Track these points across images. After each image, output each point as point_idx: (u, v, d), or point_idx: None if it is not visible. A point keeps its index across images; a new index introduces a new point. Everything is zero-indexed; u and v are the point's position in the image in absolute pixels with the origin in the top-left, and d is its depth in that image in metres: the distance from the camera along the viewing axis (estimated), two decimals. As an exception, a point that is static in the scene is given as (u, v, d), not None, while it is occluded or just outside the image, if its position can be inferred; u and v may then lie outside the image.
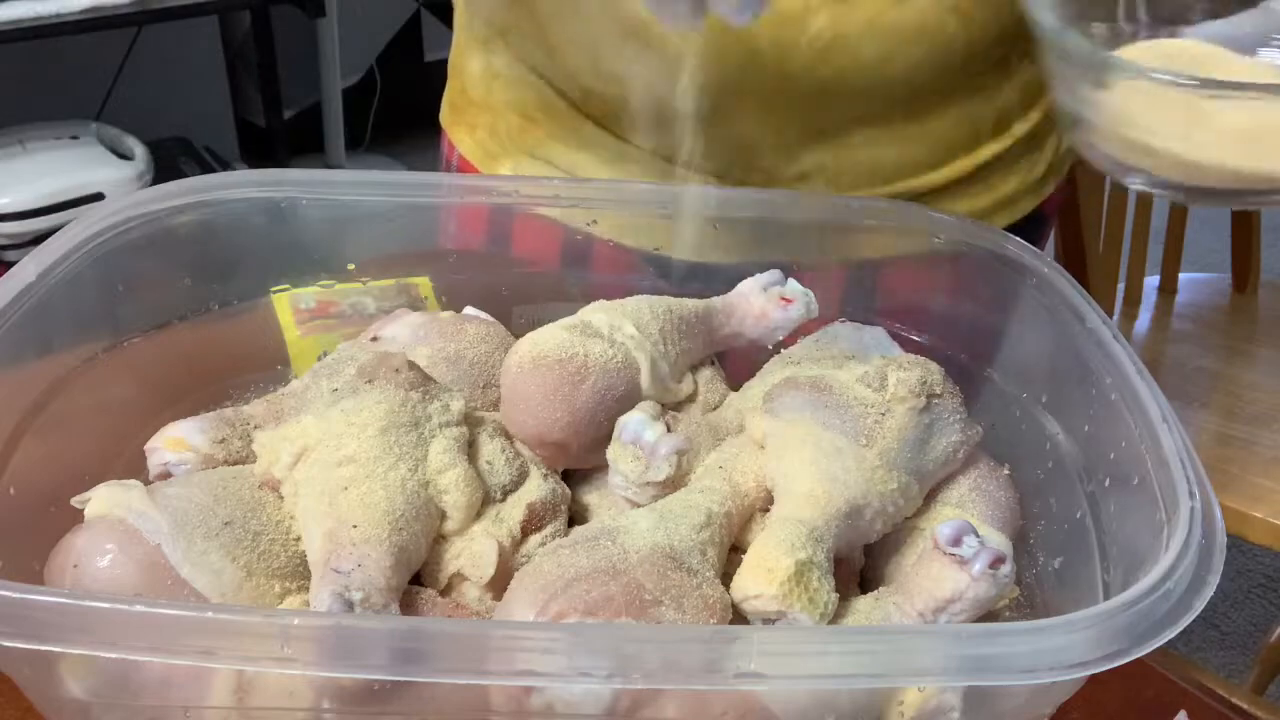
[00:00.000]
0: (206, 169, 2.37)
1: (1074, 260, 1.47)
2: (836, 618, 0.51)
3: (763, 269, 0.68)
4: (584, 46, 0.75)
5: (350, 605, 0.48)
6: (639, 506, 0.57)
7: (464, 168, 0.87)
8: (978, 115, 0.78)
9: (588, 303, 0.63)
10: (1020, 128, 0.80)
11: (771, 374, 0.63)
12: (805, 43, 0.70)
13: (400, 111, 2.79)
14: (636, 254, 0.75)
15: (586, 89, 0.78)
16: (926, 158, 0.77)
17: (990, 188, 0.78)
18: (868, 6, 0.69)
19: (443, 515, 0.54)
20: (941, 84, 0.74)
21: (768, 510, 0.56)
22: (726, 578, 0.52)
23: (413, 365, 0.58)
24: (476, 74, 0.85)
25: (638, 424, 0.57)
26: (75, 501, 0.53)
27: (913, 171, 0.76)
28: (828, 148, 0.74)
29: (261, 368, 0.68)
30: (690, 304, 0.65)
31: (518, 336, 0.62)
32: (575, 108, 0.80)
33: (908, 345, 0.67)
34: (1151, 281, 1.63)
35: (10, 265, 0.57)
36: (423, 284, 0.72)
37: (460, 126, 0.87)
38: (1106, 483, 0.56)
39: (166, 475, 0.57)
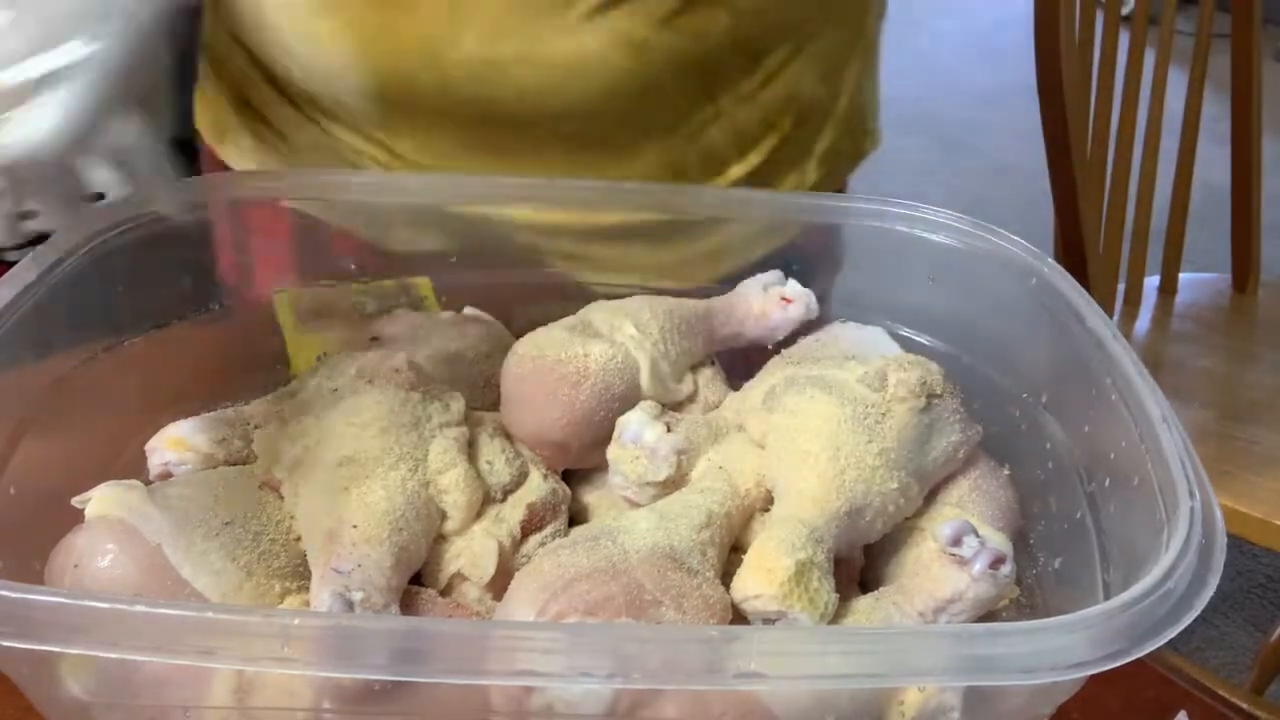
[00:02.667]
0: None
1: (1074, 260, 1.47)
2: (836, 618, 0.51)
3: (764, 268, 0.68)
4: (259, 32, 0.75)
5: (350, 605, 0.48)
6: (639, 506, 0.57)
7: (206, 149, 0.85)
8: (679, 155, 0.76)
9: (587, 303, 0.63)
10: (738, 170, 0.78)
11: (771, 374, 0.63)
12: (454, 64, 0.69)
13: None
14: None
15: (274, 73, 0.77)
16: None
17: (707, 231, 0.74)
18: (516, 35, 0.68)
19: (443, 515, 0.54)
20: (623, 119, 0.72)
21: (768, 510, 0.56)
22: (726, 578, 0.52)
23: (413, 365, 0.58)
24: (211, 40, 0.83)
25: (638, 424, 0.57)
26: (75, 501, 0.53)
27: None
28: (503, 169, 0.74)
29: (261, 368, 0.68)
30: (690, 304, 0.65)
31: (518, 336, 0.62)
32: (277, 90, 0.79)
33: (908, 345, 0.67)
34: (1151, 281, 1.63)
35: (10, 265, 0.57)
36: (423, 284, 0.72)
37: (201, 102, 0.85)
38: (1106, 483, 0.56)
39: (166, 475, 0.57)
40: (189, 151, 0.80)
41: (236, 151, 0.82)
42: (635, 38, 0.69)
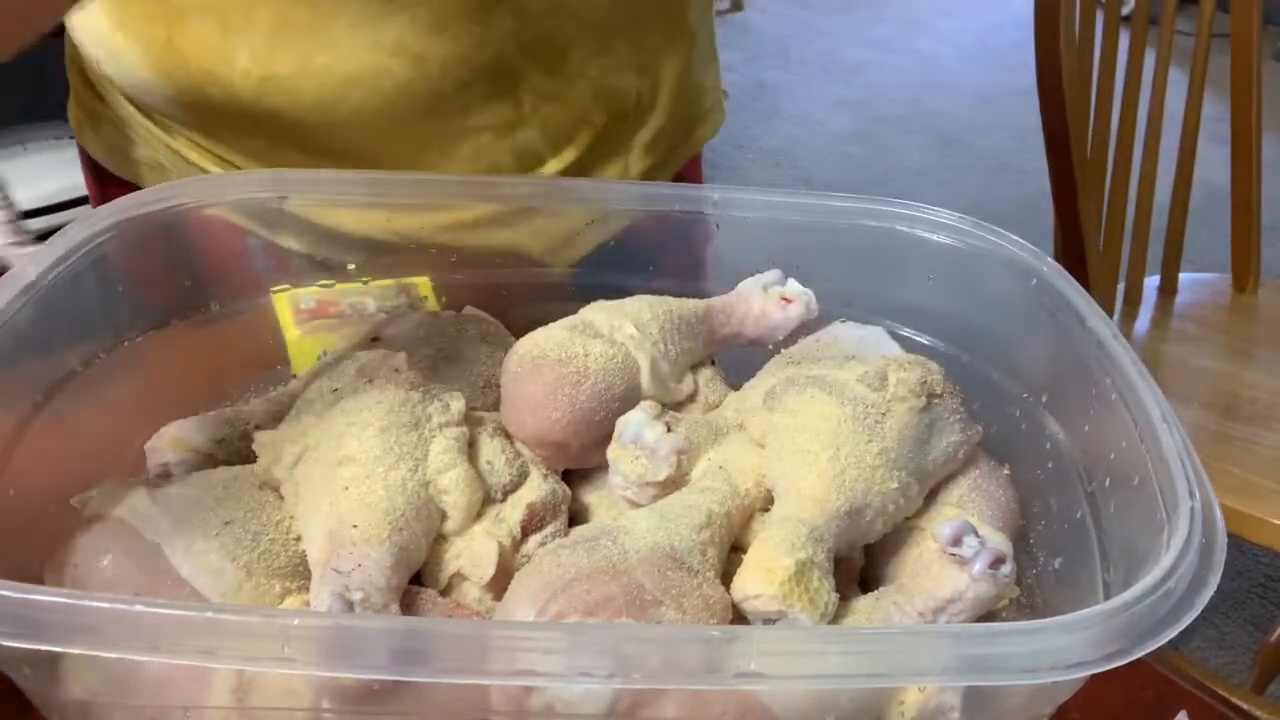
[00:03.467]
0: (206, 169, 2.36)
1: (1074, 260, 1.47)
2: (836, 618, 0.51)
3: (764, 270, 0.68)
4: (82, 25, 0.75)
5: (350, 605, 0.48)
6: (639, 506, 0.57)
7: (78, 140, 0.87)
8: (491, 155, 0.77)
9: (587, 303, 0.63)
10: (554, 165, 0.79)
11: (771, 374, 0.63)
12: (238, 77, 0.70)
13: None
14: None
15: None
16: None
17: (534, 227, 0.73)
18: (289, 50, 0.69)
19: (443, 515, 0.54)
20: (420, 126, 0.73)
21: (768, 510, 0.56)
22: (726, 578, 0.52)
23: (413, 365, 0.58)
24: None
25: (638, 424, 0.57)
26: (75, 501, 0.53)
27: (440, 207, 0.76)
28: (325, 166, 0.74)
29: (261, 368, 0.68)
30: (690, 304, 0.65)
31: (518, 336, 0.62)
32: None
33: (908, 345, 0.67)
34: (1151, 281, 1.63)
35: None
36: (423, 284, 0.72)
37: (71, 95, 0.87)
38: (1106, 483, 0.56)
39: (166, 475, 0.57)
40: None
41: (94, 138, 0.84)
42: (412, 48, 0.69)
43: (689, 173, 0.90)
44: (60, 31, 0.82)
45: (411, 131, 0.74)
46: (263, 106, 0.71)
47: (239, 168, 0.78)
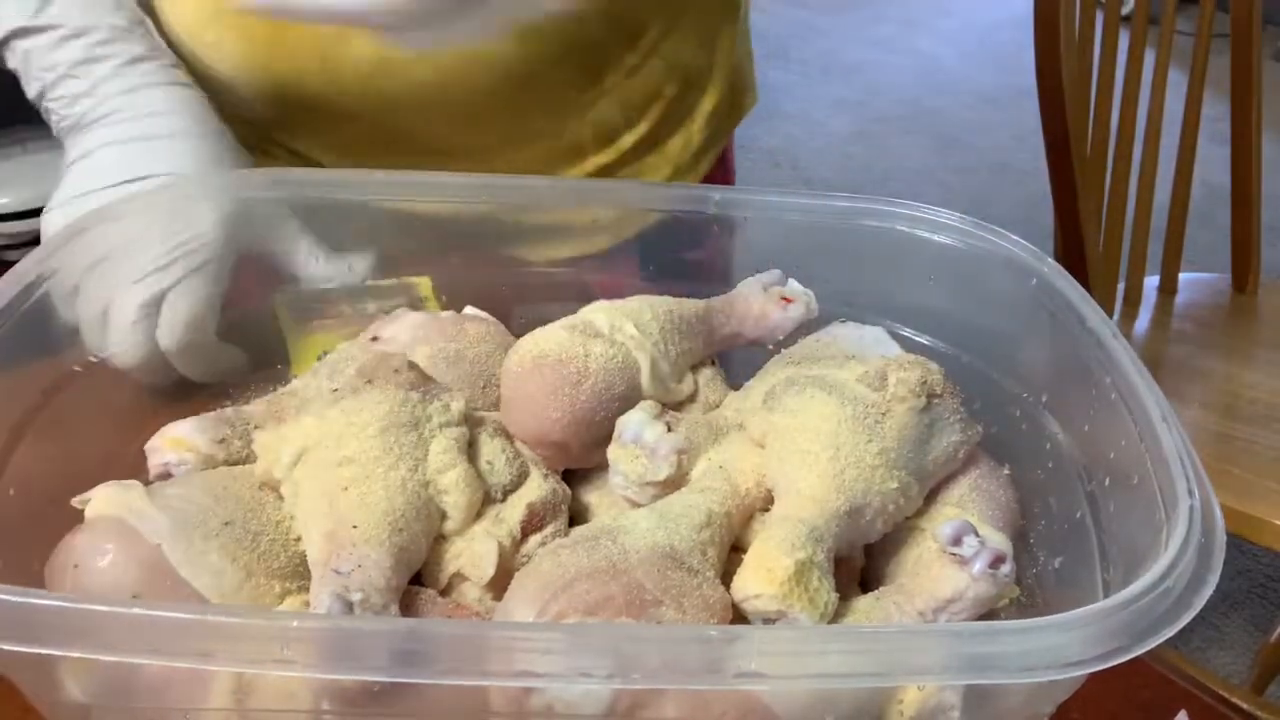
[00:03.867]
0: (206, 169, 2.36)
1: (1074, 260, 1.47)
2: (836, 617, 0.51)
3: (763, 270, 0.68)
4: (162, 30, 0.76)
5: (350, 606, 0.48)
6: (639, 506, 0.57)
7: None
8: (574, 132, 0.79)
9: (588, 303, 0.63)
10: (629, 139, 0.81)
11: (771, 374, 0.63)
12: (351, 63, 0.71)
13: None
14: None
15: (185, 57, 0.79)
16: (531, 170, 0.79)
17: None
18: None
19: (443, 515, 0.54)
20: (518, 105, 0.74)
21: (768, 510, 0.56)
22: (726, 578, 0.52)
23: (413, 365, 0.58)
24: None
25: (638, 424, 0.57)
26: (75, 501, 0.53)
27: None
28: (404, 164, 0.73)
29: (261, 368, 0.68)
30: (690, 304, 0.65)
31: (518, 336, 0.62)
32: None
33: (908, 345, 0.67)
34: (1151, 281, 1.63)
35: (10, 265, 0.57)
36: (423, 284, 0.72)
37: None
38: (1106, 483, 0.56)
39: (166, 475, 0.57)
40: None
41: None
42: (521, 27, 0.71)
43: (728, 147, 0.93)
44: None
45: (502, 116, 0.75)
46: (366, 92, 0.72)
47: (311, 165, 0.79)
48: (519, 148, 0.79)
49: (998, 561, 0.51)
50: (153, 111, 0.67)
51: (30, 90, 0.69)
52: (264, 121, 0.78)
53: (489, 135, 0.77)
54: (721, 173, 0.94)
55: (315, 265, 0.68)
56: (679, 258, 0.71)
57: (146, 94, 0.67)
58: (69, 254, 0.60)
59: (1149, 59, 1.47)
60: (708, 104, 0.86)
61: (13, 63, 0.68)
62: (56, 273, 0.59)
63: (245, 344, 0.70)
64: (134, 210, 0.63)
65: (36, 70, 0.67)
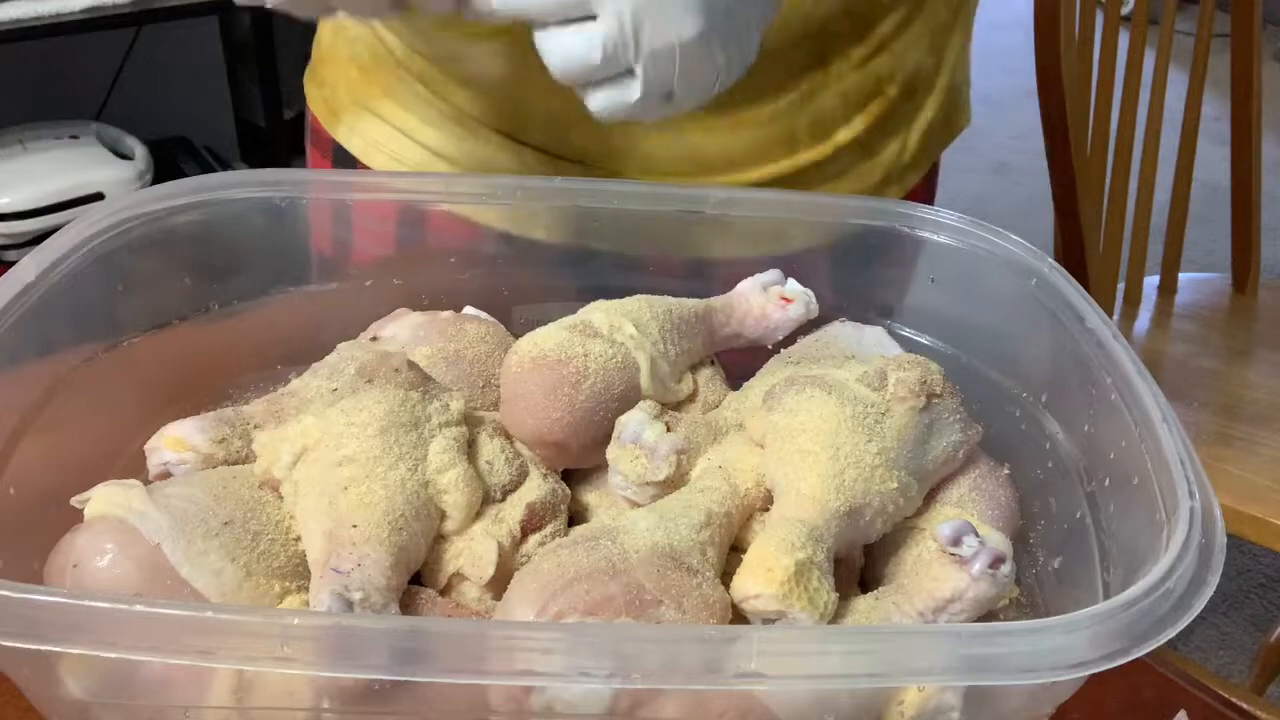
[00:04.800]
0: (206, 169, 2.37)
1: (1074, 260, 1.47)
2: (836, 618, 0.51)
3: (761, 267, 0.68)
4: None
5: (350, 605, 0.48)
6: (639, 506, 0.57)
7: (315, 128, 0.86)
8: (790, 118, 0.76)
9: (587, 303, 0.63)
10: (844, 135, 0.78)
11: (771, 374, 0.63)
12: None
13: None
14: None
15: (407, 42, 0.77)
16: (741, 155, 0.76)
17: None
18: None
19: (443, 515, 0.54)
20: (745, 81, 0.69)
21: (768, 510, 0.56)
22: (726, 578, 0.52)
23: (413, 365, 0.58)
24: (327, 27, 0.84)
25: (638, 424, 0.57)
26: (75, 501, 0.53)
27: (724, 168, 0.76)
28: (632, 131, 0.73)
29: (261, 368, 0.68)
30: (690, 304, 0.65)
31: (518, 336, 0.62)
32: (402, 65, 0.79)
33: (908, 345, 0.67)
34: (1151, 281, 1.63)
35: (10, 265, 0.57)
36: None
37: (313, 83, 0.87)
38: (1106, 483, 0.56)
39: (166, 475, 0.57)
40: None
41: (349, 134, 0.83)
42: None
43: (936, 164, 0.90)
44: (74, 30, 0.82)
45: (724, 94, 0.72)
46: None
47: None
48: (733, 131, 0.75)
49: (997, 562, 0.51)
50: None
51: None
52: (493, 86, 0.74)
53: (709, 112, 0.72)
54: (926, 192, 0.90)
55: None
56: (678, 257, 0.71)
57: None
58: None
59: (1149, 59, 1.47)
60: (927, 114, 0.83)
61: None
62: (57, 272, 0.59)
63: (245, 343, 0.70)
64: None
65: None
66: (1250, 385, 1.47)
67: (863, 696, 0.48)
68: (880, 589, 0.55)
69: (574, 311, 0.63)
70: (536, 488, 0.57)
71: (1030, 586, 0.59)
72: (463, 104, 0.78)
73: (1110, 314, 1.39)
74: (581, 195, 0.69)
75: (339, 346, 0.64)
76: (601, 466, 0.59)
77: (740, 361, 0.67)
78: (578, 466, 0.61)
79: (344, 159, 0.85)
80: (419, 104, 0.80)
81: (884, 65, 0.78)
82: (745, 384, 0.64)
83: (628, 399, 0.60)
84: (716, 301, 0.67)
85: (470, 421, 0.58)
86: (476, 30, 0.69)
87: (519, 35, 0.65)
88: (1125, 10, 1.52)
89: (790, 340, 0.67)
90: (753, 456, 0.57)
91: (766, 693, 0.46)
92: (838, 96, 0.77)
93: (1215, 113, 1.61)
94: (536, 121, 0.75)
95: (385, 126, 0.81)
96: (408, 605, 0.51)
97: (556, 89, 0.70)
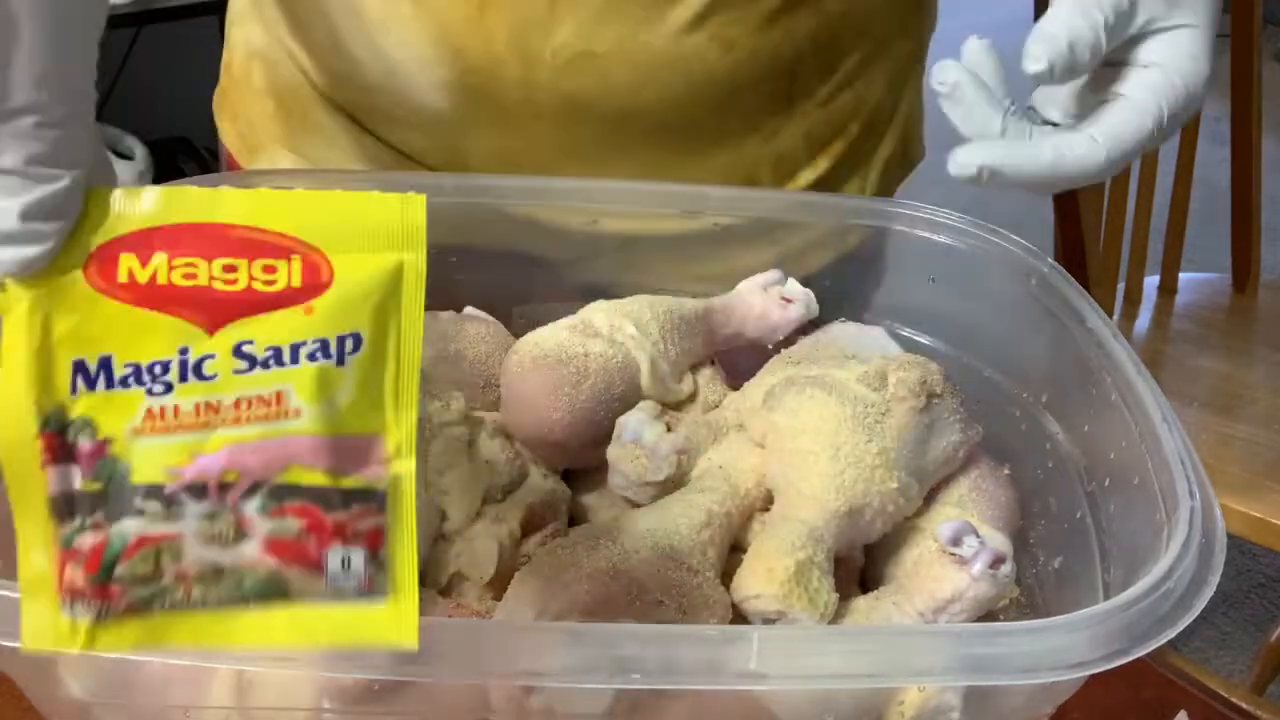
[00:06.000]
0: (206, 169, 2.36)
1: (1074, 260, 1.47)
2: (836, 618, 0.51)
3: (761, 268, 0.68)
4: (327, 22, 0.71)
5: (350, 605, 0.48)
6: (639, 506, 0.57)
7: (230, 165, 0.82)
8: (753, 158, 0.75)
9: (588, 303, 0.63)
10: (807, 175, 0.77)
11: (771, 374, 0.63)
12: (549, 54, 0.67)
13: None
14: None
15: (334, 72, 0.74)
16: None
17: (774, 240, 0.72)
18: (616, 25, 0.66)
19: (443, 515, 0.54)
20: (707, 118, 0.71)
21: (768, 510, 0.56)
22: (726, 578, 0.52)
23: (413, 365, 0.58)
24: (238, 52, 0.80)
25: (638, 424, 0.57)
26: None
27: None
28: (584, 171, 0.72)
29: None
30: (690, 304, 0.65)
31: (518, 336, 0.62)
32: (326, 97, 0.76)
33: (908, 345, 0.67)
34: (1151, 281, 1.63)
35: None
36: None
37: (224, 115, 0.82)
38: (1106, 483, 0.56)
39: (166, 475, 0.57)
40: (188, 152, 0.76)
41: (270, 167, 0.79)
42: (728, 34, 0.68)
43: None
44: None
45: (688, 130, 0.71)
46: (559, 88, 0.68)
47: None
48: (695, 168, 0.74)
49: (997, 562, 0.51)
50: None
51: None
52: (439, 119, 0.72)
53: (668, 150, 0.72)
54: None
55: None
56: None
57: None
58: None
59: (1149, 59, 1.47)
60: (885, 150, 0.82)
61: None
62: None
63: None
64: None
65: None
66: (1250, 385, 1.47)
67: (863, 696, 0.48)
68: (880, 589, 0.55)
69: (574, 311, 0.63)
70: (537, 488, 0.57)
71: (1030, 586, 0.59)
72: (398, 142, 0.75)
73: (1110, 314, 1.39)
74: (582, 195, 0.69)
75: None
76: (602, 466, 0.59)
77: (740, 361, 0.67)
78: (578, 466, 0.61)
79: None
80: (346, 140, 0.76)
81: (847, 104, 0.77)
82: (745, 384, 0.64)
83: (628, 399, 0.60)
84: (717, 301, 0.67)
85: (470, 421, 0.58)
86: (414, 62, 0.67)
87: (468, 67, 0.65)
88: (1125, 10, 1.52)
89: (790, 340, 0.67)
90: (753, 456, 0.57)
91: (767, 693, 0.46)
92: (801, 136, 0.76)
93: (1215, 113, 1.61)
94: (481, 160, 0.73)
95: (303, 163, 0.77)
96: (408, 605, 0.51)
97: (502, 124, 0.70)
